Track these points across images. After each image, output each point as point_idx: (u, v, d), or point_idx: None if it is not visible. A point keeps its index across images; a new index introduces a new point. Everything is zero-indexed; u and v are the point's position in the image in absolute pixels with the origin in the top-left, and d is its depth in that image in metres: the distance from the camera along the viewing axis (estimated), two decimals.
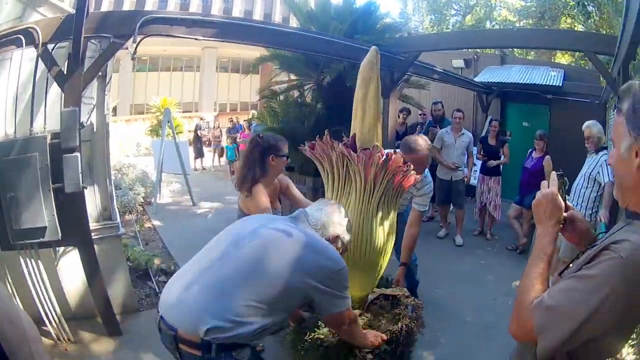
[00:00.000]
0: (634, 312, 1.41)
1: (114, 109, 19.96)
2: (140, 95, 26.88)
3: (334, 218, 2.77)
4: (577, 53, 19.04)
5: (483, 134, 11.78)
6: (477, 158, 9.19)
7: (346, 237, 2.81)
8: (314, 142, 3.52)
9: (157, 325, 2.39)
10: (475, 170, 9.59)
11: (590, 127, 5.89)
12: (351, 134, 3.58)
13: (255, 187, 3.75)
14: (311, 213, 2.77)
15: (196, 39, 4.90)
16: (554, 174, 1.78)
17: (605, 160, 5.43)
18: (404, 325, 3.31)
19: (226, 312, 2.23)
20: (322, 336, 3.20)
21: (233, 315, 2.24)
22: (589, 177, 5.71)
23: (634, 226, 1.50)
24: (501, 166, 8.84)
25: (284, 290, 2.35)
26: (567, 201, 1.77)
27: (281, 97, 9.17)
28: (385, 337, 3.14)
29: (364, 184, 3.30)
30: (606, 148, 5.81)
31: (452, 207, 8.95)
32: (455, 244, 8.55)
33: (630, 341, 3.80)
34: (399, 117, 8.77)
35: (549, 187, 1.76)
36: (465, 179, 9.00)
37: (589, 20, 18.67)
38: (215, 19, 5.44)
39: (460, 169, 8.54)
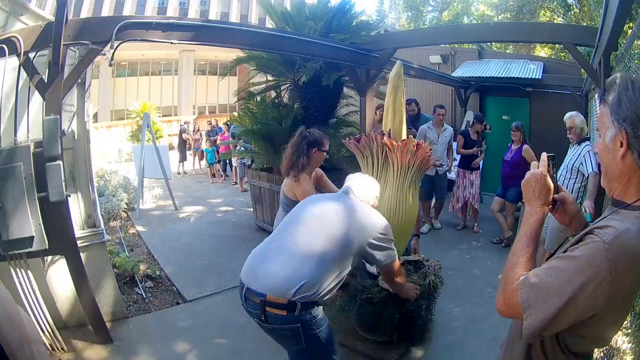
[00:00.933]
0: (619, 299, 1.47)
1: (95, 116, 19.83)
2: (120, 101, 26.75)
3: (373, 190, 3.51)
4: (557, 46, 19.18)
5: (463, 127, 11.93)
6: (457, 152, 9.21)
7: (377, 203, 3.52)
8: (358, 136, 4.69)
9: (242, 295, 2.88)
10: (455, 165, 9.64)
11: (573, 117, 5.91)
12: (384, 130, 4.60)
13: (302, 174, 4.34)
14: (354, 187, 3.41)
15: (172, 42, 4.91)
16: (544, 155, 1.82)
17: (589, 151, 5.48)
18: (430, 281, 4.54)
19: (309, 275, 2.73)
20: (371, 295, 4.23)
21: (314, 277, 2.74)
22: (572, 168, 5.73)
23: (619, 214, 1.57)
24: (482, 160, 8.94)
25: (349, 250, 2.94)
26: (557, 182, 1.83)
27: (258, 98, 9.20)
28: (419, 290, 4.17)
29: (400, 167, 4.39)
30: (588, 139, 5.84)
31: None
32: (434, 228, 9.02)
33: (624, 329, 3.90)
34: (375, 114, 8.88)
35: (538, 167, 1.81)
36: (449, 171, 9.27)
37: (569, 13, 18.79)
38: (191, 22, 5.45)
39: (443, 164, 8.69)
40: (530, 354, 1.76)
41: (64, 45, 4.09)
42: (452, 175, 9.78)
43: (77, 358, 4.51)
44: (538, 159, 1.85)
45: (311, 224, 3.08)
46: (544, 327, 1.52)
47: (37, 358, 1.45)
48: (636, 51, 4.37)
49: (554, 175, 1.82)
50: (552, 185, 1.77)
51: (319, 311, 2.82)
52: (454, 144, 9.37)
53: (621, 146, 1.53)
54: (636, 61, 4.25)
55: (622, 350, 3.76)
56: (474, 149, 8.68)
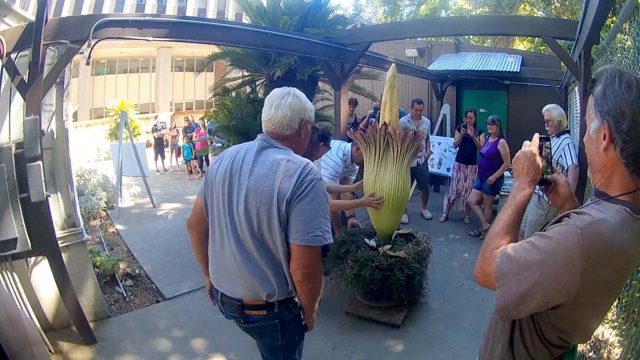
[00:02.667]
0: (593, 292, 1.49)
1: (75, 115, 19.64)
2: (100, 99, 26.47)
3: (295, 108, 2.59)
4: (537, 40, 19.25)
5: (439, 121, 12.04)
6: (454, 145, 9.37)
7: (311, 114, 2.71)
8: (364, 127, 5.58)
9: (219, 299, 2.79)
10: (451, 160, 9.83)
11: (550, 110, 5.91)
12: (382, 121, 5.43)
13: None
14: (273, 121, 2.57)
15: (147, 39, 4.90)
16: (536, 135, 1.87)
17: (568, 144, 5.46)
18: (424, 248, 5.55)
19: (274, 274, 2.50)
20: (379, 262, 5.03)
21: (281, 275, 2.52)
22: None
23: (600, 205, 1.59)
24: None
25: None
26: (552, 164, 1.87)
27: (233, 94, 9.20)
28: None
29: (399, 152, 5.14)
30: (568, 132, 5.84)
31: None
32: (425, 218, 9.27)
33: (610, 322, 3.97)
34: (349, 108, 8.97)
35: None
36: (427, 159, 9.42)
37: (550, 7, 18.86)
38: (166, 19, 5.42)
39: (421, 154, 8.83)
40: (511, 344, 1.78)
41: (43, 45, 4.08)
42: (447, 172, 9.98)
43: (63, 359, 4.51)
44: (513, 153, 1.92)
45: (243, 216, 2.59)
46: (514, 302, 1.54)
47: (38, 359, 1.41)
48: (619, 44, 4.42)
49: (550, 155, 1.85)
50: (540, 163, 1.80)
51: (296, 307, 2.72)
52: (431, 137, 9.55)
53: (604, 139, 1.56)
54: (618, 54, 4.31)
55: (609, 343, 3.81)
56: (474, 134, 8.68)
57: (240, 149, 2.63)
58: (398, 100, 5.70)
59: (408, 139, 5.10)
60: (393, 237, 5.64)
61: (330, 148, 5.20)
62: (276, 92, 2.63)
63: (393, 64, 5.89)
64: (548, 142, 1.85)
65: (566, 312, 1.54)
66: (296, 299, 2.68)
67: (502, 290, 1.57)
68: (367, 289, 5.11)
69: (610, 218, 1.49)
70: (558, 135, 5.75)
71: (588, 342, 3.92)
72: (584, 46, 4.70)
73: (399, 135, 5.09)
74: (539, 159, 1.80)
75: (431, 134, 9.70)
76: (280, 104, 2.56)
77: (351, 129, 5.87)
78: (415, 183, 9.20)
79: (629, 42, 4.06)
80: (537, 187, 1.86)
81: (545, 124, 5.97)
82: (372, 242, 5.49)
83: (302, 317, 2.79)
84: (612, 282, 1.54)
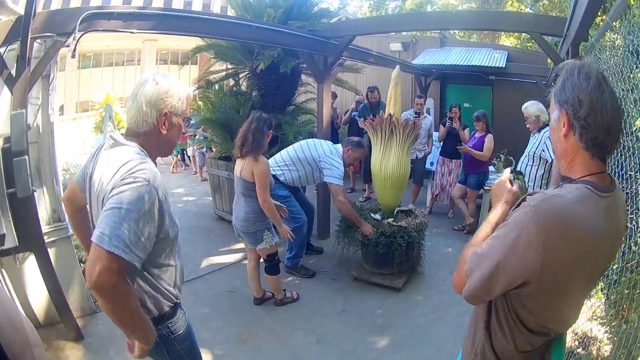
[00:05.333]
0: (557, 269, 1.57)
1: (61, 108, 19.46)
2: (86, 93, 26.25)
3: (152, 98, 2.24)
4: (523, 36, 19.27)
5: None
6: (438, 140, 9.41)
7: (175, 102, 2.31)
8: (373, 117, 6.31)
9: None
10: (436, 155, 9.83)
11: (527, 107, 6.06)
12: (387, 113, 6.13)
13: (260, 155, 4.89)
14: (129, 116, 2.31)
15: (132, 32, 4.89)
16: (508, 169, 2.17)
17: (549, 137, 5.31)
18: (421, 220, 6.39)
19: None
20: (383, 229, 5.99)
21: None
22: (533, 156, 5.82)
23: (560, 187, 1.71)
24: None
25: None
26: (523, 182, 2.10)
27: (216, 87, 9.23)
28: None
29: (401, 139, 6.08)
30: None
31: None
32: None
33: (599, 319, 4.03)
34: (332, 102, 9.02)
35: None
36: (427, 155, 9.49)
37: (537, 4, 18.85)
38: (152, 11, 5.37)
39: (423, 148, 9.05)
40: (489, 330, 1.89)
41: (31, 38, 4.08)
42: (431, 166, 9.99)
43: (53, 357, 4.52)
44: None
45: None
46: (480, 288, 1.66)
47: None
48: (608, 42, 4.43)
49: (524, 184, 2.10)
50: (510, 187, 2.02)
51: (177, 326, 2.48)
52: (434, 134, 9.63)
53: (563, 126, 1.68)
54: (607, 53, 4.33)
55: (598, 340, 3.83)
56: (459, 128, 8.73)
57: (97, 148, 2.37)
58: (401, 96, 6.42)
59: (409, 127, 6.04)
60: (395, 212, 6.49)
61: (274, 133, 5.34)
62: (140, 78, 2.32)
63: (397, 66, 6.69)
64: (521, 175, 2.12)
65: (533, 290, 1.62)
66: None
67: (469, 282, 1.71)
68: (374, 251, 6.02)
69: (567, 194, 1.60)
70: (539, 130, 5.88)
71: (577, 338, 4.00)
72: (572, 43, 4.66)
73: (401, 124, 6.03)
74: (508, 184, 2.04)
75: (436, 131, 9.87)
76: (137, 94, 2.23)
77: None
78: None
79: (618, 41, 4.11)
80: None
81: (526, 122, 6.10)
82: (377, 216, 6.43)
83: (189, 334, 2.61)
84: (575, 259, 1.59)
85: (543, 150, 5.70)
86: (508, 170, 2.15)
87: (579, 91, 1.62)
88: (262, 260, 5.47)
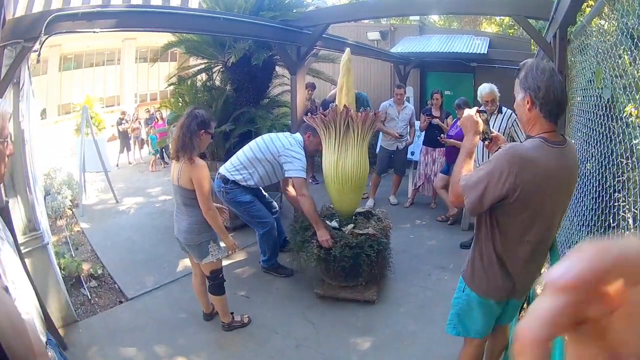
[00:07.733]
0: (525, 191, 2.44)
1: (43, 112, 19.36)
2: (67, 95, 26.12)
3: None
4: (505, 22, 19.24)
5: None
6: (420, 129, 9.33)
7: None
8: (324, 112, 5.42)
9: None
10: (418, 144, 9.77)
11: (490, 91, 6.45)
12: (339, 104, 5.42)
13: (195, 157, 4.24)
14: None
15: (94, 31, 4.84)
16: (475, 108, 2.97)
17: (516, 119, 5.94)
18: (387, 224, 5.85)
19: None
20: (348, 240, 5.32)
21: None
22: (503, 135, 5.76)
23: (525, 142, 2.64)
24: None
25: None
26: (490, 128, 3.13)
27: (189, 83, 9.11)
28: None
29: (359, 134, 5.37)
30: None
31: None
32: (390, 204, 9.15)
33: None
34: (306, 92, 8.89)
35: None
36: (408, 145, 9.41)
37: None
38: (115, 8, 5.33)
39: (404, 138, 8.94)
40: (479, 243, 2.87)
41: (0, 46, 4.09)
42: (412, 156, 9.92)
43: None
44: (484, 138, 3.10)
45: None
46: (477, 202, 2.55)
47: None
48: (594, 28, 4.39)
49: (487, 120, 3.03)
50: (479, 120, 2.84)
51: None
52: (416, 122, 9.51)
53: (527, 103, 2.53)
54: (595, 38, 4.30)
55: None
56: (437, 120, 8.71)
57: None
58: (354, 84, 5.76)
59: (369, 119, 5.34)
60: (354, 217, 5.92)
61: (213, 135, 4.65)
62: None
63: (347, 49, 5.92)
64: (485, 113, 2.96)
65: (512, 200, 2.49)
66: None
67: (468, 199, 2.60)
68: (338, 267, 5.32)
69: (526, 143, 2.55)
70: (499, 111, 6.43)
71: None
72: (560, 26, 4.75)
73: (359, 117, 5.27)
74: (476, 116, 2.85)
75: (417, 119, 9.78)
76: None
77: (309, 114, 5.73)
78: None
79: (606, 26, 4.12)
80: (482, 143, 3.17)
81: (489, 104, 6.42)
82: (334, 223, 5.74)
83: None
84: (536, 182, 2.46)
85: (515, 132, 6.34)
86: (475, 108, 2.93)
87: (538, 81, 2.46)
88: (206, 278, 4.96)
